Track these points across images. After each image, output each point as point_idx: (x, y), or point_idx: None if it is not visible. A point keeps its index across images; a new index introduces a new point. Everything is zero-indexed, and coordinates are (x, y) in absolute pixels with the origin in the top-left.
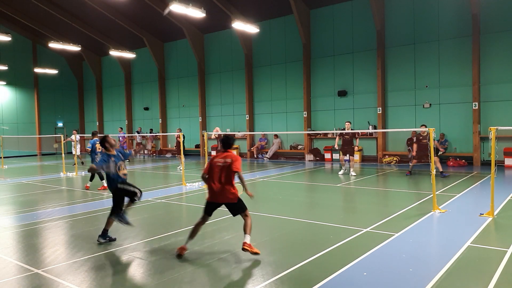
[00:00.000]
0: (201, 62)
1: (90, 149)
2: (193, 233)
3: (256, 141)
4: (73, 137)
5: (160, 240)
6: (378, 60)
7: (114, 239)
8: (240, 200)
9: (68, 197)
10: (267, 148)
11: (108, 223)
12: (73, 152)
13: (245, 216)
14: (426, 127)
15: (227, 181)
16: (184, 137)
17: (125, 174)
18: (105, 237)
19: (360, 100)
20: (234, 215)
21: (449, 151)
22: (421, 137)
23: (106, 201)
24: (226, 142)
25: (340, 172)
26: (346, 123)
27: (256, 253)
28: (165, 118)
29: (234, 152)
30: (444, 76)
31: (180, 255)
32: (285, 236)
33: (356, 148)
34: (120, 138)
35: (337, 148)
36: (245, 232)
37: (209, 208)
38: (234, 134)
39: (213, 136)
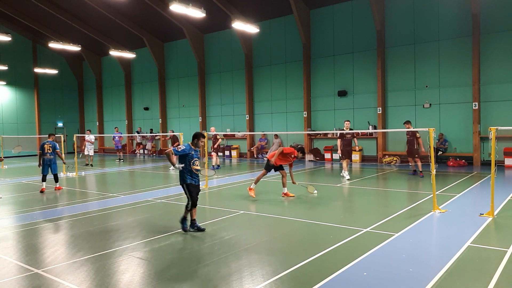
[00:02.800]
0: (201, 62)
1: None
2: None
3: (256, 141)
4: (87, 137)
5: (160, 240)
6: (378, 60)
7: (203, 229)
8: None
9: (68, 197)
10: (267, 148)
11: (191, 214)
12: (86, 153)
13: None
14: (410, 123)
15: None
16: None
17: (197, 170)
18: (194, 227)
19: (360, 100)
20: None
21: (449, 151)
22: (408, 135)
23: (106, 201)
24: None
25: (347, 177)
26: (346, 122)
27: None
28: (165, 118)
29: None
30: (444, 76)
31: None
32: (285, 236)
33: (357, 149)
34: (116, 137)
35: (340, 153)
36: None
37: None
38: (234, 134)
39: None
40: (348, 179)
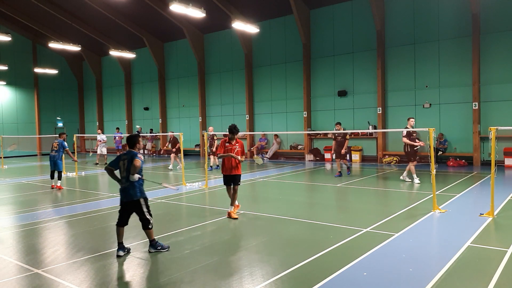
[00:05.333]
0: (201, 62)
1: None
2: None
3: (256, 141)
4: (98, 137)
5: (160, 240)
6: (378, 60)
7: (127, 250)
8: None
9: (68, 197)
10: (267, 148)
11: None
12: (98, 152)
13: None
14: (340, 125)
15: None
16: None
17: (140, 178)
18: (156, 247)
19: (360, 100)
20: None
21: (449, 151)
22: (336, 134)
23: (106, 201)
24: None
25: (417, 181)
26: (412, 120)
27: (235, 218)
28: (165, 118)
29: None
30: (444, 76)
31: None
32: (285, 236)
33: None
34: (117, 138)
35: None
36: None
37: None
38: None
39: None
40: (418, 183)
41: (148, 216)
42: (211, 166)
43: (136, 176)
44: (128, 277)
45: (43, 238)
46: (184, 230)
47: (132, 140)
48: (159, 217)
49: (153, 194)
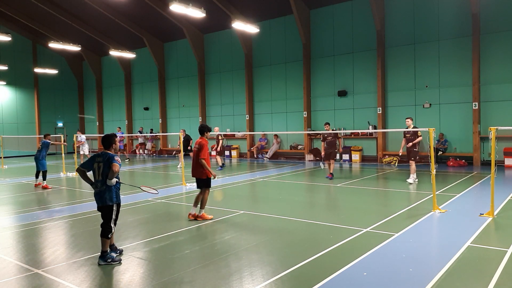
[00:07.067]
0: (201, 62)
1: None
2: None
3: (256, 141)
4: (78, 137)
5: (160, 240)
6: (378, 60)
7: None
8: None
9: (68, 197)
10: (267, 148)
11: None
12: (81, 152)
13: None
14: (329, 125)
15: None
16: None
17: (117, 182)
18: (106, 259)
19: (360, 100)
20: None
21: (449, 151)
22: (326, 135)
23: None
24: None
25: (411, 181)
26: (407, 120)
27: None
28: (165, 118)
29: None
30: (444, 76)
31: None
32: (285, 236)
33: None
34: (118, 137)
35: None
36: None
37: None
38: (234, 134)
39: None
40: (410, 183)
41: (112, 225)
42: (220, 165)
43: (114, 180)
44: (128, 277)
45: (43, 238)
46: (184, 230)
47: (108, 141)
48: (159, 217)
49: (153, 195)
